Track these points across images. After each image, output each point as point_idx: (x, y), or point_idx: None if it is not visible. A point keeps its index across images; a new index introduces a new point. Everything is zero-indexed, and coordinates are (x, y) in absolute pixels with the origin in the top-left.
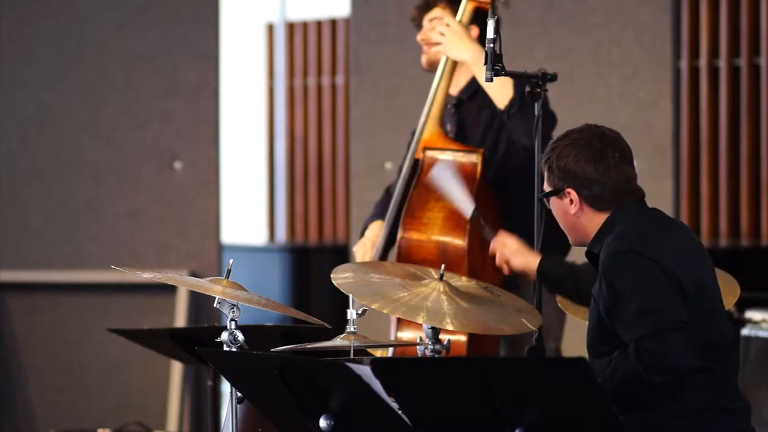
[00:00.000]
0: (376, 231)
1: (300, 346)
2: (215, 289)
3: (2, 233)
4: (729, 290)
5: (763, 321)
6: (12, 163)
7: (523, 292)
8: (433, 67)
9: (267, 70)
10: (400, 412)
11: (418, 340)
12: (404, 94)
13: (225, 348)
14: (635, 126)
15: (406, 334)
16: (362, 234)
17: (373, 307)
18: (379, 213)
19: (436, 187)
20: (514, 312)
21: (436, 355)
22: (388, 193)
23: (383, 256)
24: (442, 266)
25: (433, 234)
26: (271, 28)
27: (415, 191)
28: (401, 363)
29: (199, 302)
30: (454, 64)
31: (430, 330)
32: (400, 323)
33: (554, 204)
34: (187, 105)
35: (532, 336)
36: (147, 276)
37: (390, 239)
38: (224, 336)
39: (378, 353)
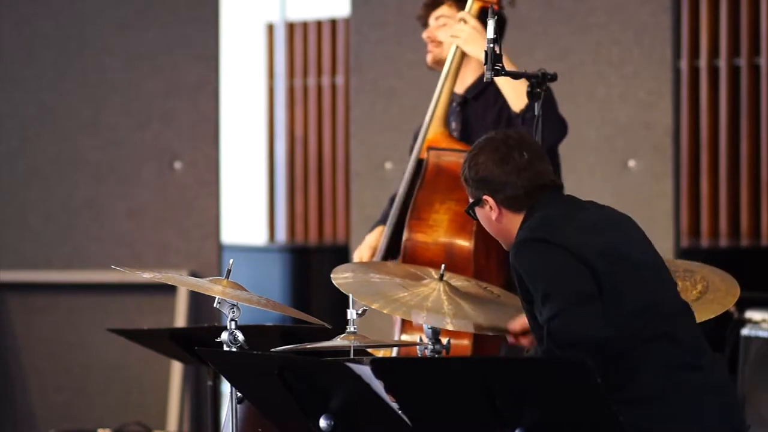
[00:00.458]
0: (377, 236)
1: (300, 346)
2: (215, 289)
3: (2, 233)
4: (729, 290)
5: (763, 321)
6: (12, 163)
7: None
8: (438, 64)
9: (267, 70)
10: (400, 412)
11: (418, 340)
12: (404, 94)
13: (225, 348)
14: (635, 126)
15: (411, 338)
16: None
17: (373, 307)
18: (383, 219)
19: None
20: (515, 312)
21: (436, 355)
22: (392, 198)
23: (385, 257)
24: (442, 266)
25: (440, 236)
26: (271, 28)
27: (419, 193)
28: (401, 363)
29: (199, 302)
30: (461, 63)
31: (430, 330)
32: (404, 325)
33: (480, 215)
34: (187, 105)
35: None
36: (147, 276)
37: (393, 240)
38: (224, 336)
39: (380, 353)
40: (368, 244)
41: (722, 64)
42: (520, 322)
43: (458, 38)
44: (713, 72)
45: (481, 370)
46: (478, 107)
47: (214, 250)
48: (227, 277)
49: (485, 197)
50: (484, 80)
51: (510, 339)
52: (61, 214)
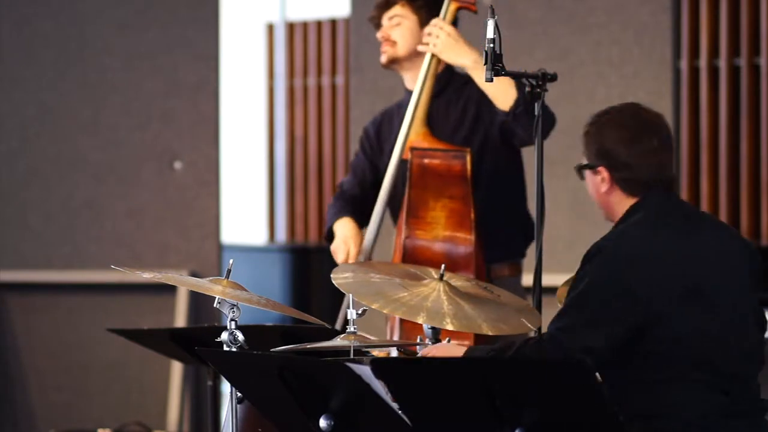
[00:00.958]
0: (351, 228)
1: (300, 346)
2: (215, 289)
3: (2, 233)
4: None
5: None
6: (12, 163)
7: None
8: (393, 63)
9: (267, 70)
10: (400, 412)
11: (417, 340)
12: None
13: (225, 348)
14: None
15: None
16: (329, 235)
17: (373, 307)
18: (343, 210)
19: None
20: (514, 312)
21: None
22: (342, 189)
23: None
24: (443, 266)
25: (439, 232)
26: (271, 28)
27: (411, 192)
28: (401, 363)
29: (199, 302)
30: (438, 65)
31: (430, 330)
32: (403, 325)
33: (588, 178)
34: (187, 105)
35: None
36: (147, 276)
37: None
38: (224, 336)
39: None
40: (348, 237)
41: (722, 64)
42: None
43: (435, 47)
44: (713, 72)
45: (481, 370)
46: (441, 104)
47: (214, 250)
48: (227, 277)
49: (601, 168)
50: (485, 80)
51: None
52: (61, 214)
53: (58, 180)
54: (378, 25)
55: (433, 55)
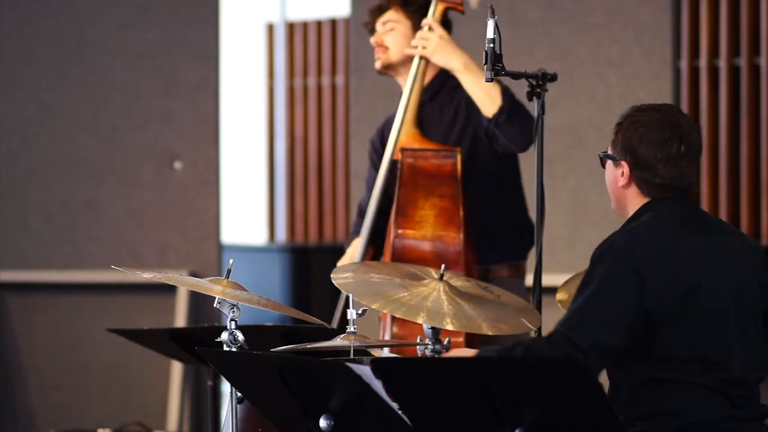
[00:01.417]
0: (356, 247)
1: (300, 346)
2: (215, 289)
3: (2, 233)
4: None
5: None
6: (12, 163)
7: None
8: (387, 69)
9: (267, 70)
10: (400, 412)
11: (417, 340)
12: None
13: (225, 348)
14: None
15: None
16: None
17: (373, 307)
18: (356, 231)
19: None
20: (514, 312)
21: (436, 355)
22: (360, 208)
23: (366, 257)
24: (442, 266)
25: (428, 231)
26: (271, 28)
27: (401, 192)
28: (401, 363)
29: (199, 302)
30: (426, 67)
31: (430, 330)
32: (395, 323)
33: (608, 168)
34: (187, 105)
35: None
36: (147, 276)
37: (372, 243)
38: (224, 336)
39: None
40: (348, 255)
41: (722, 64)
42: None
43: (425, 49)
44: (713, 72)
45: (481, 370)
46: (434, 108)
47: (214, 250)
48: (227, 277)
49: (624, 163)
50: (484, 80)
51: None
52: (61, 214)
53: (58, 180)
54: (372, 31)
55: (422, 57)
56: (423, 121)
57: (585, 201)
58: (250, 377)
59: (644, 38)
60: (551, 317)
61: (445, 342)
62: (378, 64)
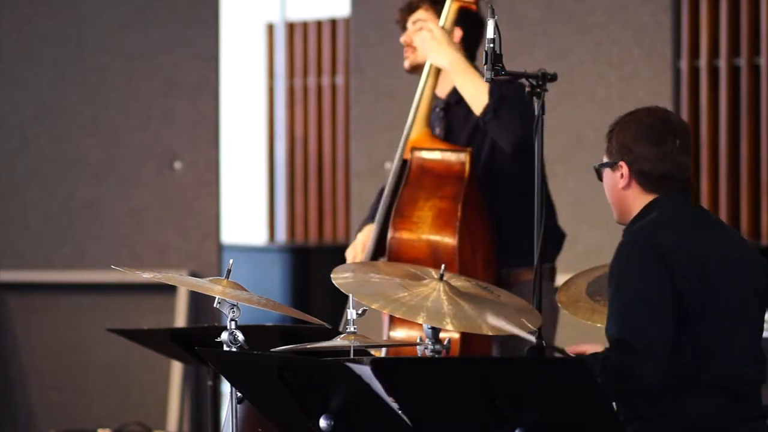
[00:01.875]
0: (367, 234)
1: (300, 346)
2: (215, 289)
3: (2, 233)
4: None
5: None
6: (12, 163)
7: (514, 292)
8: (415, 69)
9: (267, 70)
10: (400, 412)
11: (417, 340)
12: (404, 94)
13: (225, 348)
14: None
15: (398, 333)
16: (355, 237)
17: (373, 307)
18: (372, 215)
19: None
20: (514, 312)
21: (436, 355)
22: (379, 194)
23: (374, 257)
24: (443, 266)
25: (424, 233)
26: (271, 28)
27: (404, 191)
28: (401, 363)
29: (199, 302)
30: (440, 67)
31: (430, 330)
32: (393, 322)
33: (606, 176)
34: (187, 105)
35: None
36: (147, 276)
37: (380, 240)
38: (224, 336)
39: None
40: (361, 242)
41: (722, 64)
42: (580, 349)
43: (422, 49)
44: (713, 72)
45: (481, 370)
46: (461, 111)
47: (214, 250)
48: (227, 277)
49: (622, 163)
50: (484, 80)
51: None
52: (61, 214)
53: (58, 180)
54: (403, 28)
55: None
56: (450, 124)
57: (585, 201)
58: (250, 377)
59: (644, 38)
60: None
61: (445, 342)
62: (406, 64)
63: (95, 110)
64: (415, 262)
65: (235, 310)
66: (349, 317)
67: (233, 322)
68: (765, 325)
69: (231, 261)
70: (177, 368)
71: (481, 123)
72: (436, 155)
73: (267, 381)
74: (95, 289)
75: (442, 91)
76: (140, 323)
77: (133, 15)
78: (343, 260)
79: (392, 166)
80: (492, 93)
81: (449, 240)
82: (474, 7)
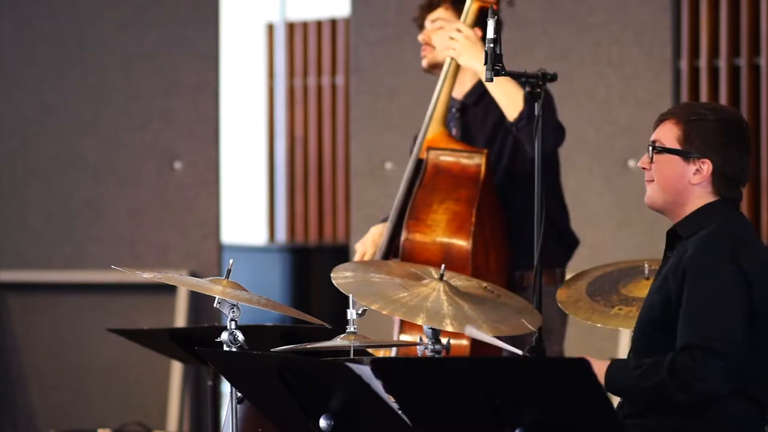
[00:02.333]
0: (380, 231)
1: (300, 346)
2: (215, 289)
3: (2, 233)
4: None
5: None
6: (12, 163)
7: (527, 294)
8: (433, 68)
9: (267, 70)
10: (400, 412)
11: (418, 340)
12: (404, 94)
13: (225, 348)
14: (635, 126)
15: (408, 338)
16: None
17: (373, 307)
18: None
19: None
20: (515, 312)
21: (436, 355)
22: None
23: (385, 256)
24: (442, 266)
25: (437, 236)
26: (271, 28)
27: (419, 193)
28: (401, 363)
29: (199, 302)
30: (458, 67)
31: (430, 330)
32: (403, 326)
33: (672, 162)
34: (187, 105)
35: (532, 336)
36: (147, 276)
37: (392, 239)
38: (224, 336)
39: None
40: (373, 240)
41: (722, 64)
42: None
43: (453, 50)
44: (713, 72)
45: (481, 370)
46: (478, 112)
47: (214, 250)
48: (227, 277)
49: (705, 160)
50: (484, 80)
51: None
52: (61, 214)
53: (58, 180)
54: (421, 26)
55: (452, 58)
56: (467, 125)
57: (585, 201)
58: (250, 377)
59: (644, 38)
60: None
61: (445, 342)
62: (424, 63)
63: (95, 110)
64: (428, 264)
65: (235, 310)
66: (349, 317)
67: (233, 322)
68: None
69: (231, 261)
70: (177, 368)
71: (514, 128)
72: (451, 156)
73: (267, 381)
74: (95, 289)
75: (459, 92)
76: (140, 323)
77: (133, 15)
78: (343, 260)
79: (408, 166)
80: (526, 101)
81: (462, 243)
82: (495, 6)
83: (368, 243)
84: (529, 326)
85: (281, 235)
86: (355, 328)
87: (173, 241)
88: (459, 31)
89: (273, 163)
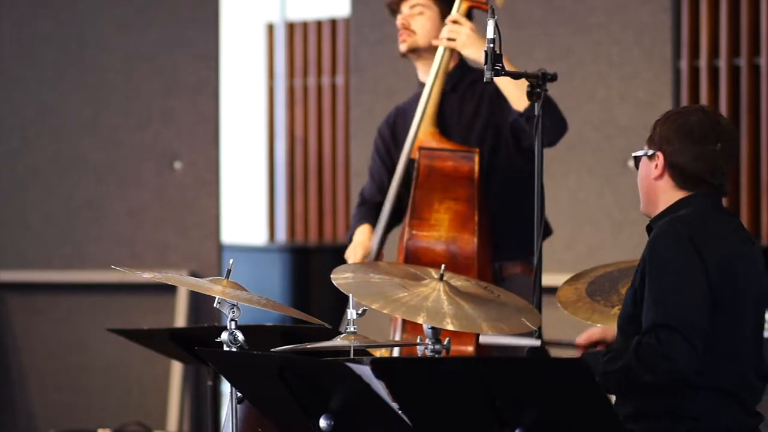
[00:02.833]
0: (366, 234)
1: (300, 346)
2: (215, 289)
3: (2, 233)
4: None
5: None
6: (12, 163)
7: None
8: (413, 53)
9: (267, 70)
10: (400, 412)
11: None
12: (404, 94)
13: (225, 348)
14: (635, 126)
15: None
16: (350, 240)
17: (373, 307)
18: (365, 217)
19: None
20: (515, 312)
21: (436, 355)
22: (363, 196)
23: (377, 258)
24: (442, 266)
25: (442, 235)
26: (271, 28)
27: (417, 192)
28: (401, 363)
29: (199, 302)
30: (449, 63)
31: (430, 330)
32: (406, 325)
33: (642, 165)
34: (187, 105)
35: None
36: (147, 276)
37: (383, 241)
38: (224, 336)
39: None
40: (359, 243)
41: (722, 64)
42: (586, 335)
43: (455, 41)
44: (713, 72)
45: (481, 370)
46: (455, 99)
47: (214, 250)
48: (227, 277)
49: (659, 153)
50: (484, 80)
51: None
52: (61, 214)
53: (58, 180)
54: (395, 12)
55: (445, 51)
56: (444, 113)
57: (585, 201)
58: (250, 377)
59: (644, 38)
60: (551, 317)
61: (445, 342)
62: (404, 47)
63: (95, 110)
64: (434, 263)
65: (235, 310)
66: (349, 317)
67: (233, 322)
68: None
69: (231, 261)
70: (177, 368)
71: (523, 117)
72: (444, 156)
73: (267, 381)
74: (95, 289)
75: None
76: (140, 323)
77: (133, 15)
78: (343, 260)
79: (398, 166)
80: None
81: (469, 241)
82: (485, 6)
83: (357, 249)
84: (530, 325)
85: (281, 235)
86: (355, 328)
87: (173, 241)
88: (461, 24)
89: (273, 163)
